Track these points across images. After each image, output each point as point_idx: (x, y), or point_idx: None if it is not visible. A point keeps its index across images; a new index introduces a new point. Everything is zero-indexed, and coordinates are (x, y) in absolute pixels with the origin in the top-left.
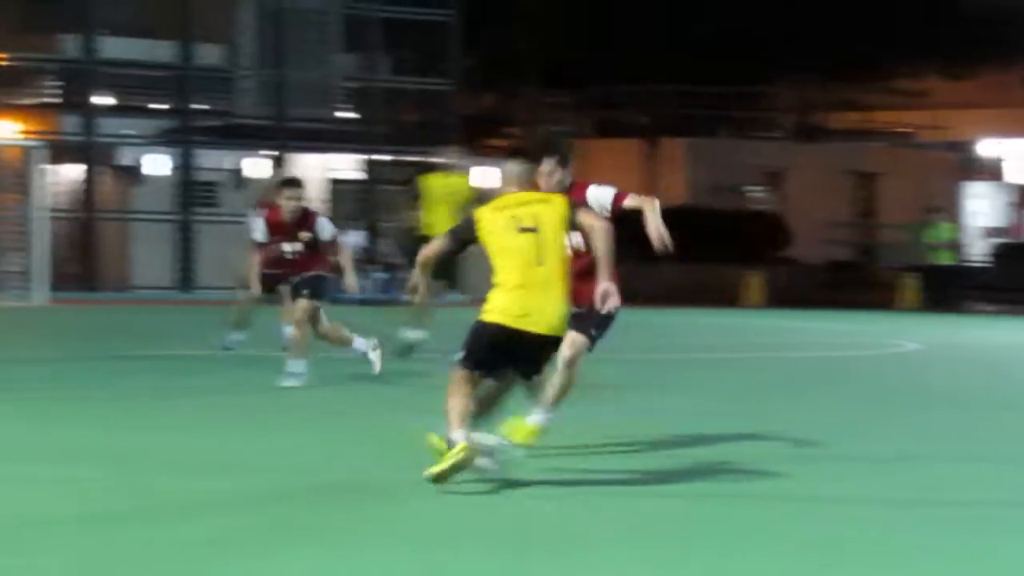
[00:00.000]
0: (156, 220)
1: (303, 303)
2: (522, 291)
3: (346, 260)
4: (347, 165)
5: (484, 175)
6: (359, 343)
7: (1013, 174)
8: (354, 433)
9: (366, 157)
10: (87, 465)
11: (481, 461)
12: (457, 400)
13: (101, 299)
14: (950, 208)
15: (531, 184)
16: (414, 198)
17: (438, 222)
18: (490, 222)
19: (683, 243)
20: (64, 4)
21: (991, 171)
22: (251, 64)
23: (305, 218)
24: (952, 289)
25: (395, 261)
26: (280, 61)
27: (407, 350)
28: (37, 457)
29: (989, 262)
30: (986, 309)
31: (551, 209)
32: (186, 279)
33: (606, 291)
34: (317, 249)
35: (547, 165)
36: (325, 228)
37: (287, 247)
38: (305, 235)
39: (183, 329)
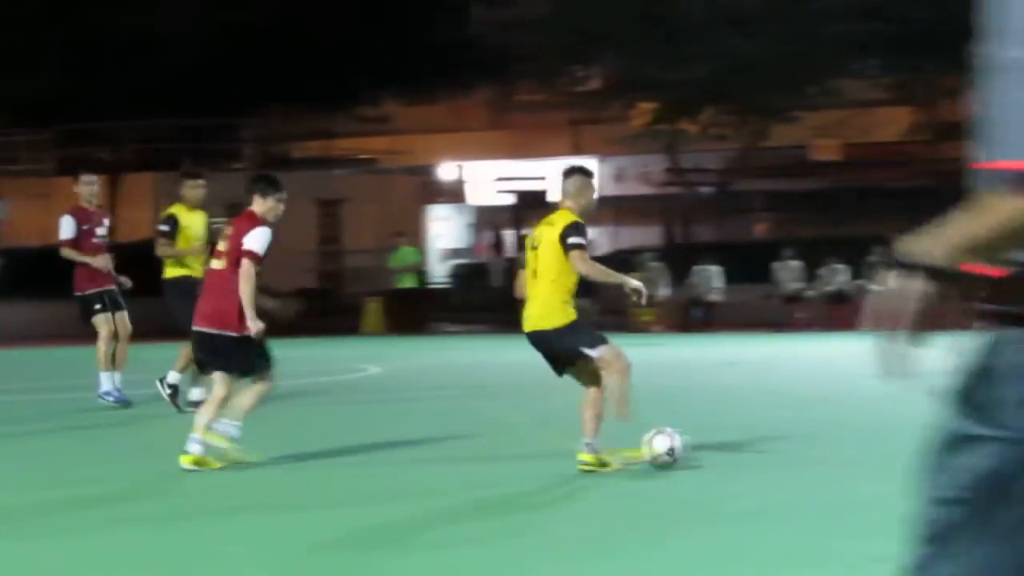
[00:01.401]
0: None
1: None
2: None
3: None
4: None
5: None
6: None
7: (473, 196)
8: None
9: None
10: None
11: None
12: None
13: None
14: (414, 231)
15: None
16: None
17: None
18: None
19: (147, 278)
20: None
21: (452, 193)
22: None
23: None
24: (415, 312)
25: None
26: None
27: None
28: None
29: (449, 283)
30: (448, 329)
31: (552, 230)
32: None
33: None
34: None
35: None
36: None
37: None
38: None
39: None
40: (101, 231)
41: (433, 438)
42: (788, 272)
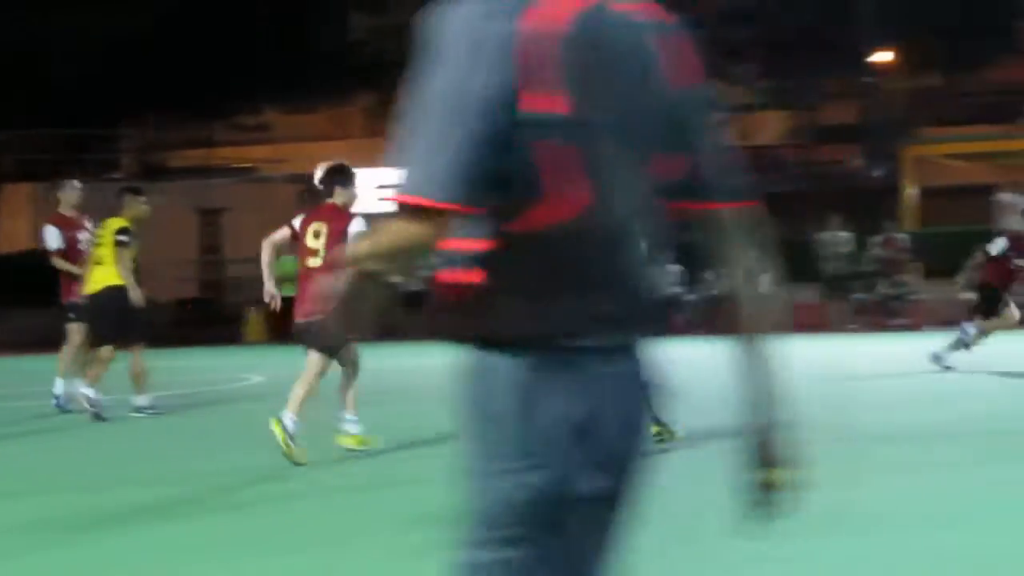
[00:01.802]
0: None
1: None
2: None
3: None
4: None
5: None
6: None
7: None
8: None
9: None
10: None
11: None
12: None
13: None
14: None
15: None
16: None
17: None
18: None
19: (31, 289)
20: None
21: None
22: None
23: None
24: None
25: None
26: None
27: None
28: None
29: None
30: None
31: None
32: None
33: None
34: None
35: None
36: None
37: None
38: None
39: None
40: (84, 237)
41: (321, 442)
42: (667, 277)
